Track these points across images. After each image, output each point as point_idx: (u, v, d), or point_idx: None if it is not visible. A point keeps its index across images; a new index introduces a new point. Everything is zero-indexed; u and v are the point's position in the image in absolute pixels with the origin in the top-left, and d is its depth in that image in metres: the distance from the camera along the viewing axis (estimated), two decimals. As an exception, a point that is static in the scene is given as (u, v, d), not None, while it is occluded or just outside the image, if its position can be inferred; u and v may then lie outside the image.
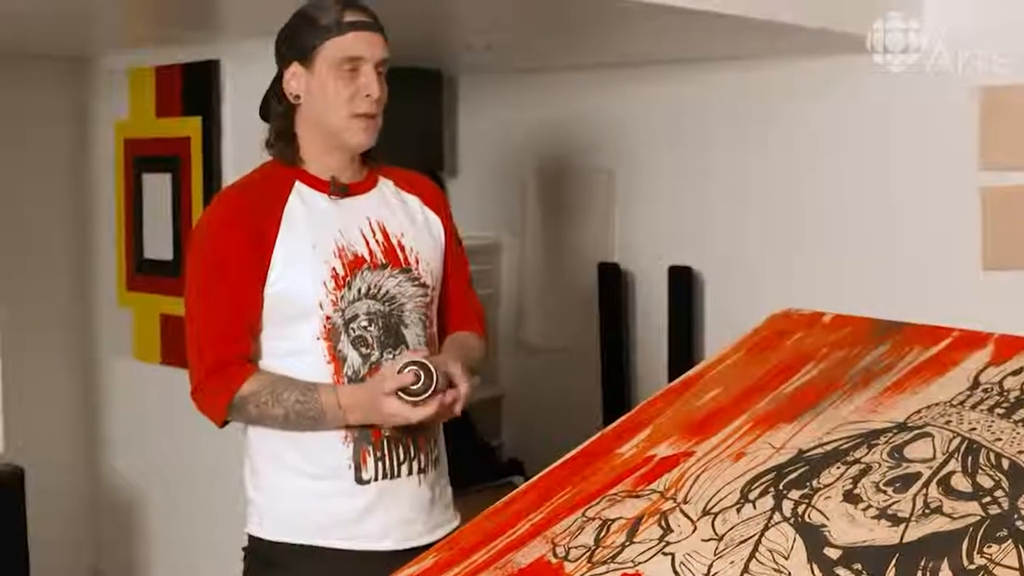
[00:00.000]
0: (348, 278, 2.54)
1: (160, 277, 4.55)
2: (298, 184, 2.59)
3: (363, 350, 2.55)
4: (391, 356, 2.55)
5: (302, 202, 2.57)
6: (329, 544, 2.55)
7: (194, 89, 4.39)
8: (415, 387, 2.39)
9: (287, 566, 2.58)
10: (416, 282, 2.63)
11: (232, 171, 4.24)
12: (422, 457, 2.62)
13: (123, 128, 4.69)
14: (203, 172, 4.33)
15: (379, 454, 2.56)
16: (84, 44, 4.64)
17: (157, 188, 4.56)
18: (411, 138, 5.23)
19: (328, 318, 2.53)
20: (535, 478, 1.94)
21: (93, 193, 4.89)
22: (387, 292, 2.58)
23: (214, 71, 4.32)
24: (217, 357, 2.53)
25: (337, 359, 2.53)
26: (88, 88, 4.86)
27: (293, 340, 2.55)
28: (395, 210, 2.68)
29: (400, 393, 2.39)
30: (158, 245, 4.57)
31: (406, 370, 2.40)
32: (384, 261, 2.59)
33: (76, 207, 4.94)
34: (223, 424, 2.57)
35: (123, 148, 4.70)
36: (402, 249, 2.63)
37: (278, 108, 2.61)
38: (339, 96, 2.52)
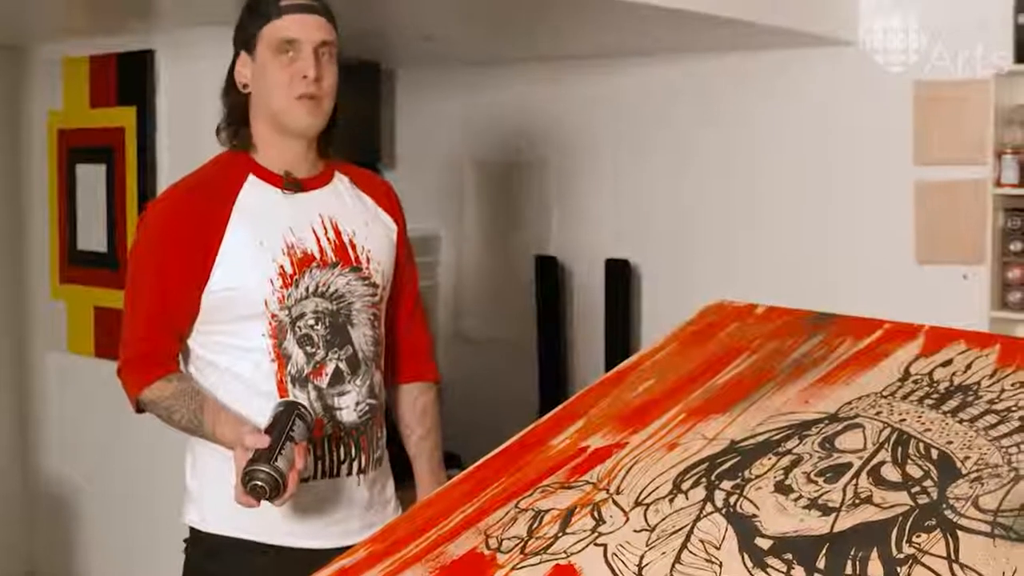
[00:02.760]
0: (296, 276, 2.53)
1: (94, 269, 4.51)
2: (251, 177, 2.57)
3: (308, 349, 2.53)
4: (336, 355, 2.56)
5: (253, 196, 2.56)
6: (267, 540, 2.54)
7: (129, 79, 4.36)
8: (261, 479, 2.28)
9: (226, 559, 2.58)
10: (366, 281, 2.62)
11: (167, 161, 4.22)
12: (363, 457, 2.61)
13: (57, 118, 4.65)
14: (138, 163, 4.31)
15: (319, 453, 2.55)
16: (17, 33, 4.59)
17: (91, 179, 4.52)
18: (350, 130, 5.21)
19: (274, 316, 2.51)
20: (469, 469, 1.93)
21: (26, 184, 4.84)
22: (336, 291, 2.57)
23: (149, 61, 4.29)
24: (133, 351, 2.57)
25: (282, 357, 2.52)
26: (21, 77, 4.81)
27: (238, 336, 2.53)
28: (349, 207, 2.67)
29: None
30: (92, 237, 4.53)
31: (254, 481, 2.27)
32: (334, 259, 2.58)
33: (8, 198, 4.88)
34: (139, 412, 2.60)
35: (57, 138, 4.66)
36: (353, 248, 2.62)
37: (231, 99, 2.61)
38: (278, 80, 2.51)
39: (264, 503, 2.30)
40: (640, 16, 3.84)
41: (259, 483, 2.26)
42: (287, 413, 2.36)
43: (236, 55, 2.59)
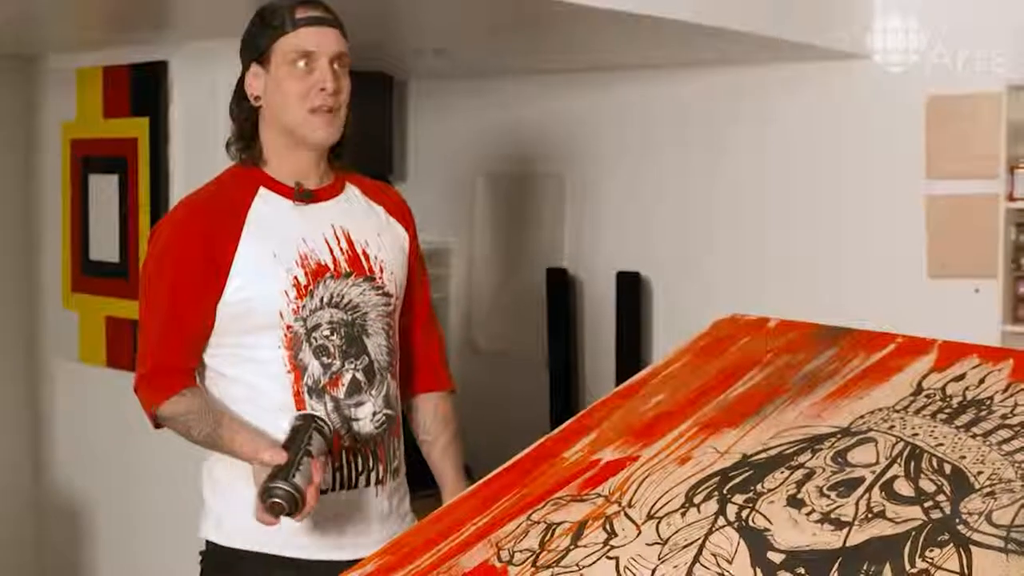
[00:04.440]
0: (310, 287, 2.52)
1: (106, 279, 4.52)
2: (262, 189, 2.56)
3: (324, 359, 2.52)
4: (352, 365, 2.55)
5: (266, 208, 2.55)
6: (284, 553, 2.52)
7: (142, 90, 4.37)
8: (280, 495, 2.26)
9: (243, 572, 2.56)
10: (380, 291, 2.61)
11: (180, 172, 4.22)
12: (380, 468, 2.60)
13: (70, 129, 4.66)
14: (150, 173, 4.31)
15: (337, 464, 2.53)
16: (31, 44, 4.60)
17: (104, 189, 4.52)
18: (361, 142, 5.22)
19: (289, 327, 2.50)
20: (480, 481, 1.93)
21: (39, 194, 4.85)
22: (350, 301, 2.56)
23: (162, 72, 4.29)
24: (150, 366, 2.55)
25: (297, 368, 2.51)
26: (35, 88, 4.81)
27: (254, 348, 2.52)
28: (361, 217, 2.66)
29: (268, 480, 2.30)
30: (104, 247, 4.54)
31: (273, 498, 2.26)
32: (348, 269, 2.57)
33: (21, 208, 4.89)
34: (157, 427, 2.59)
35: (70, 149, 4.66)
36: (366, 257, 2.61)
37: (240, 111, 2.59)
38: (294, 93, 2.50)
39: (283, 519, 2.30)
40: (651, 29, 3.84)
41: (278, 500, 2.25)
42: (305, 427, 2.35)
43: (246, 67, 2.57)
